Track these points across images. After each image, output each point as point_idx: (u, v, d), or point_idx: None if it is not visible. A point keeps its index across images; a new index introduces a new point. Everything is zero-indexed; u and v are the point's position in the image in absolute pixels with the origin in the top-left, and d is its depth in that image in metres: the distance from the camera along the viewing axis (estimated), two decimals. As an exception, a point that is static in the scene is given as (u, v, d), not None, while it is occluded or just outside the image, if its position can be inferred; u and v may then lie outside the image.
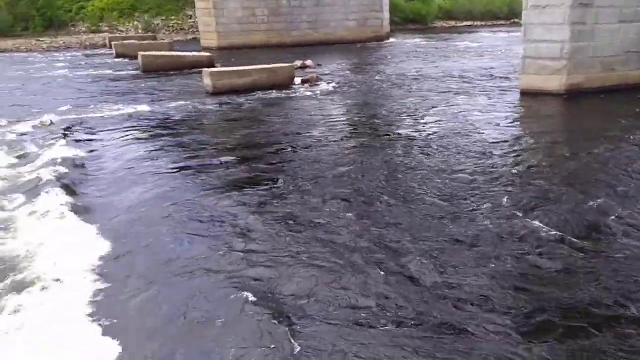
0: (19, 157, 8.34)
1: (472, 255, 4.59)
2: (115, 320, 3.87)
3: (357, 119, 10.88)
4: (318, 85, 15.04)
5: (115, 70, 19.47)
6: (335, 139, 8.87)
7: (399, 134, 9.17)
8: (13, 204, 6.26)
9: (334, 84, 15.08)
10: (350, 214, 5.51)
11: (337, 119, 10.61)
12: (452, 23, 40.48)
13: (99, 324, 3.85)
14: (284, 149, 8.35)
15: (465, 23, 40.64)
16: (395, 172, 6.97)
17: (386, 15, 30.39)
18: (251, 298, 4.00)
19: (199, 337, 3.66)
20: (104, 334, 3.75)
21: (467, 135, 8.70)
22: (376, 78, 16.13)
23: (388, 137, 8.99)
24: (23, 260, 4.84)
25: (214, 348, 3.50)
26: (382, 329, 3.60)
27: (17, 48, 28.40)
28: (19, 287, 4.34)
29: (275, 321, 3.71)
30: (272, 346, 3.45)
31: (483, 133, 8.85)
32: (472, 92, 12.87)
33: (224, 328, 3.70)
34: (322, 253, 4.67)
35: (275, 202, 5.97)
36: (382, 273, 4.30)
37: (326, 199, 5.97)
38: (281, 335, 3.55)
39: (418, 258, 4.52)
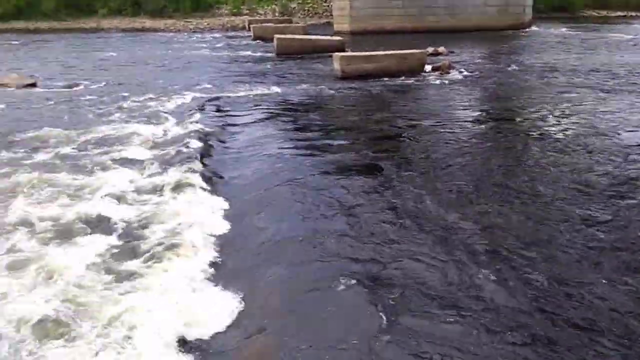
0: (157, 130, 9.00)
1: (592, 269, 4.20)
2: (233, 286, 4.11)
3: (484, 110, 10.42)
4: (449, 73, 14.60)
5: (251, 51, 20.36)
6: (456, 130, 8.58)
7: (527, 129, 8.64)
8: (147, 171, 6.80)
9: (465, 73, 14.57)
10: (459, 210, 5.30)
11: (463, 110, 10.25)
12: (604, 12, 37.28)
13: (221, 289, 4.10)
14: (401, 137, 8.22)
15: (618, 13, 37.24)
16: (515, 169, 6.58)
17: (529, 1, 28.69)
18: (348, 283, 4.01)
19: (300, 312, 3.78)
20: (224, 297, 3.99)
21: (606, 136, 7.98)
22: (512, 68, 15.32)
23: (514, 132, 8.51)
24: (154, 226, 5.20)
25: (313, 323, 3.61)
26: (477, 332, 3.44)
27: (167, 28, 30.72)
28: (149, 252, 4.67)
29: (370, 309, 3.70)
30: (365, 334, 3.45)
31: (627, 135, 8.03)
32: (619, 89, 11.77)
33: (323, 305, 3.78)
34: (423, 247, 4.55)
35: (382, 189, 5.90)
36: (487, 275, 4.09)
37: (435, 192, 5.78)
38: (375, 324, 3.53)
39: (529, 264, 4.24)
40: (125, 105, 10.99)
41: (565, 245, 4.58)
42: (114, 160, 7.11)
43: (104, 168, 6.83)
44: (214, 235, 5.00)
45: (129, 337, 3.48)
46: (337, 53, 15.15)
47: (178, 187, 6.15)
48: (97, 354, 3.33)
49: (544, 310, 3.66)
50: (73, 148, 7.80)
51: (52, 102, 11.53)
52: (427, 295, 3.86)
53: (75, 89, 13.56)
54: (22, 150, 7.67)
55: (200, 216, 5.37)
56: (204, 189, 6.14)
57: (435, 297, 3.84)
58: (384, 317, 3.61)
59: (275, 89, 12.70)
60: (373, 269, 4.24)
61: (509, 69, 15.27)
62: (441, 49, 18.51)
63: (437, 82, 13.46)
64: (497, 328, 3.48)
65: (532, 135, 8.17)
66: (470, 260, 4.32)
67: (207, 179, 6.45)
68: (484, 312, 3.65)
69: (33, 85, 14.13)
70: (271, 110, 10.32)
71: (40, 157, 7.35)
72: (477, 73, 14.59)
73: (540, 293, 3.87)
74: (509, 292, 3.89)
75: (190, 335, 3.56)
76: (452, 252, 4.45)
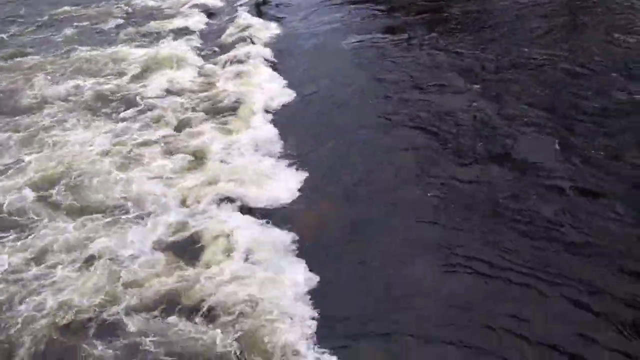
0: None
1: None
2: (291, 154, 4.47)
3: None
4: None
5: None
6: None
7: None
8: (220, 49, 6.86)
9: None
10: (469, 74, 5.16)
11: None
12: None
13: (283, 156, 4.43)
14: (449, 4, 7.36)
15: None
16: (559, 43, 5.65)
17: None
18: (378, 137, 4.45)
19: (350, 178, 4.08)
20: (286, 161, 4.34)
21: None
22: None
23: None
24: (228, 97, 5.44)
25: (360, 190, 3.93)
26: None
27: None
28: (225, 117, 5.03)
29: (400, 156, 4.08)
30: (395, 188, 3.82)
31: None
32: None
33: (371, 172, 4.10)
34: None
35: (409, 50, 5.93)
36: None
37: (446, 53, 5.63)
38: (403, 176, 3.90)
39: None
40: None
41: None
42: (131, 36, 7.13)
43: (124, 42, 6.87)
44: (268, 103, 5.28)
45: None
46: None
47: (246, 62, 6.24)
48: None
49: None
50: (93, 24, 7.67)
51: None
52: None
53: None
54: (46, 29, 7.59)
55: (258, 86, 5.59)
56: (257, 56, 6.33)
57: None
58: (416, 168, 3.94)
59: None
60: (398, 112, 4.66)
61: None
62: None
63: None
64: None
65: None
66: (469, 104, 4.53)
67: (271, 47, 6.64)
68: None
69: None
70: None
71: (65, 33, 7.32)
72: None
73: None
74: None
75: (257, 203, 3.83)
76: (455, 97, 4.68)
